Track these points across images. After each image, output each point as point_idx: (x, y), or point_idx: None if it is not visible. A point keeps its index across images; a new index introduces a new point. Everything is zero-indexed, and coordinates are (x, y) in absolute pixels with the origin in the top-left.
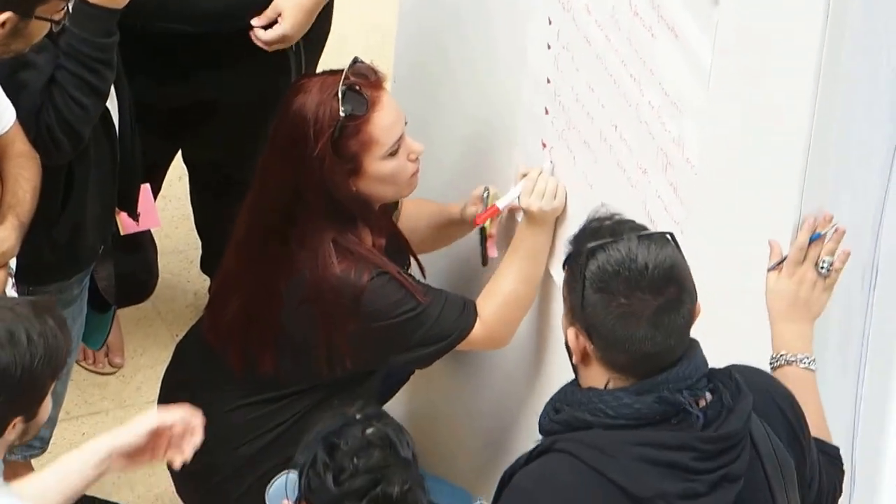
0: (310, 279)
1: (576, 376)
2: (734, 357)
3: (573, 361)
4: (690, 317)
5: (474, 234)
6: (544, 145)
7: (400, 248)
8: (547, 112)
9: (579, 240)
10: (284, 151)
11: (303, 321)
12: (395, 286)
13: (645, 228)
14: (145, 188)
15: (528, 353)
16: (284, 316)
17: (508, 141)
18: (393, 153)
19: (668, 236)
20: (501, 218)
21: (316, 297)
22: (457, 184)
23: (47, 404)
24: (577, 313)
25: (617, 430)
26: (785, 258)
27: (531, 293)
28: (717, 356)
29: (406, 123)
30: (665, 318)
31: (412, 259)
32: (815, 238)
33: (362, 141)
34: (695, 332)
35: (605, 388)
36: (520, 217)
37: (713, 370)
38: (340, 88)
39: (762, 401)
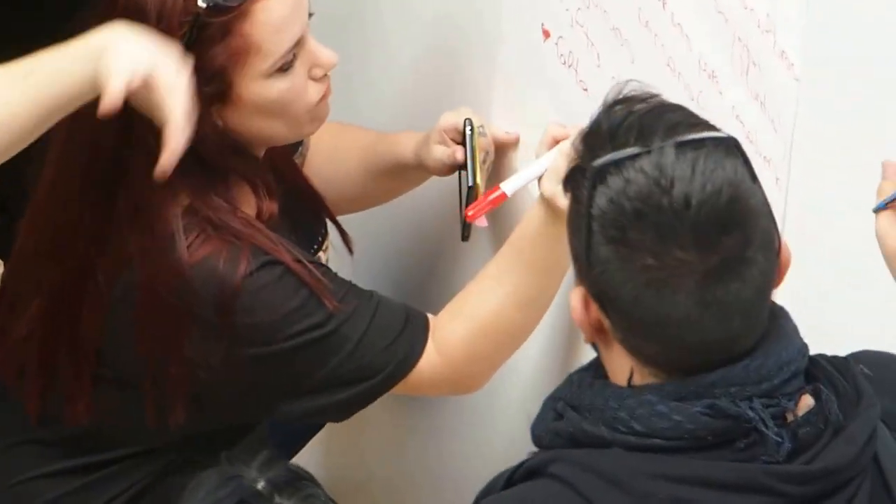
0: (144, 273)
1: (597, 357)
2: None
3: (584, 339)
4: (766, 281)
5: (445, 186)
6: (547, 34)
7: (310, 211)
8: None
9: (590, 143)
10: None
11: (131, 343)
12: (290, 284)
13: (698, 123)
14: None
15: (532, 372)
16: (107, 333)
17: (486, 30)
18: (284, 67)
19: (732, 143)
20: (489, 164)
21: (151, 303)
22: (402, 110)
23: None
24: (583, 269)
25: (646, 452)
26: None
27: (528, 323)
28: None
29: (311, 15)
30: (720, 288)
31: (331, 226)
32: None
33: (233, 49)
34: (811, 321)
35: (629, 384)
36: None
37: (818, 361)
38: None
39: None
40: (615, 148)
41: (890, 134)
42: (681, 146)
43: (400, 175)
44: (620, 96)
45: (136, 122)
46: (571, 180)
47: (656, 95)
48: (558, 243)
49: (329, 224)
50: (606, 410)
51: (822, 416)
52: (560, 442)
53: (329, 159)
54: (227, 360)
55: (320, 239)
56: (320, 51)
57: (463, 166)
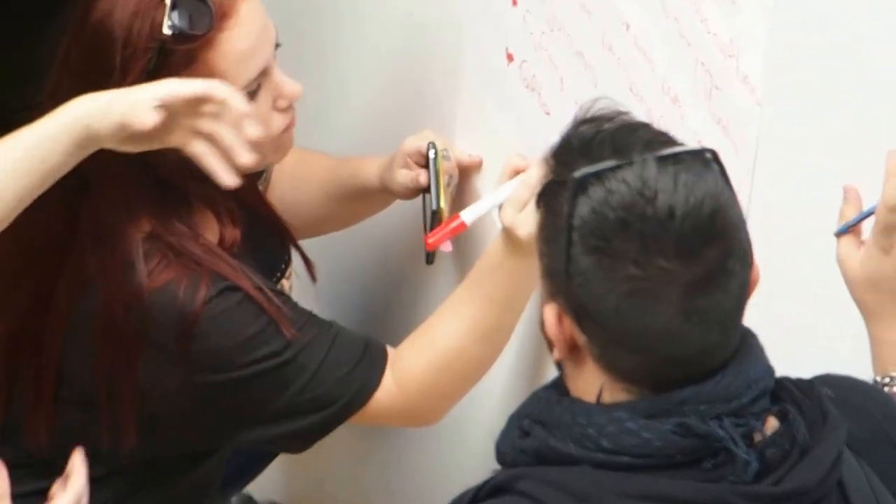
0: (103, 297)
1: (560, 376)
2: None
3: (555, 357)
4: (743, 294)
5: (409, 210)
6: (511, 58)
7: (273, 238)
8: (515, 3)
9: (562, 159)
10: (77, 87)
11: (89, 365)
12: (249, 311)
13: (670, 140)
14: None
15: (499, 393)
16: (66, 354)
17: (450, 53)
18: (248, 97)
19: (709, 155)
20: (453, 187)
21: (109, 327)
22: (365, 132)
23: None
24: (560, 283)
25: (614, 470)
26: (864, 216)
27: (488, 357)
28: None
29: (278, 47)
30: (703, 299)
31: (294, 253)
32: None
33: (198, 76)
34: (771, 345)
35: (598, 401)
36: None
37: (784, 383)
38: None
39: (867, 431)
40: (591, 162)
41: (851, 159)
42: (662, 160)
43: (364, 199)
44: (589, 115)
45: (99, 151)
46: (547, 194)
47: (624, 113)
48: (519, 276)
49: (292, 251)
50: (574, 427)
51: (788, 437)
52: (525, 459)
53: (292, 184)
54: (184, 386)
55: (283, 266)
56: (285, 82)
57: (427, 190)
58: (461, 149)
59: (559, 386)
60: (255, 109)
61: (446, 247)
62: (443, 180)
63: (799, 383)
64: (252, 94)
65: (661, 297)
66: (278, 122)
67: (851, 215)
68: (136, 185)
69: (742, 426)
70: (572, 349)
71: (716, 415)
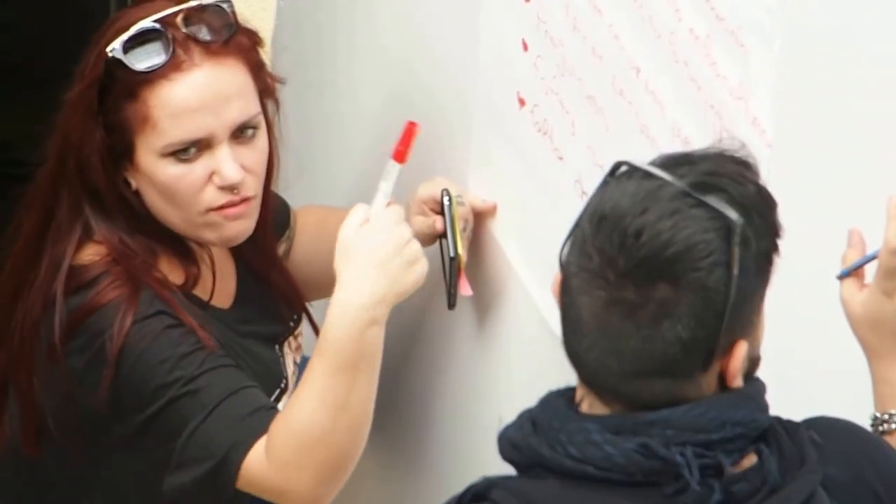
0: (30, 299)
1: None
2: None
3: None
4: (677, 353)
5: (428, 255)
6: (523, 102)
7: (281, 297)
8: (526, 48)
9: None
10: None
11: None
12: (173, 336)
13: (746, 176)
14: None
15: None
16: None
17: (462, 99)
18: (181, 157)
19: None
20: (469, 232)
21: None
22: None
23: None
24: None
25: (578, 482)
26: (866, 260)
27: (347, 429)
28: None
29: (251, 129)
30: (618, 320)
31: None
32: None
33: (135, 111)
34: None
35: (578, 408)
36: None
37: (773, 424)
38: (143, 22)
39: (850, 476)
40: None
41: (860, 201)
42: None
43: None
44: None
45: (63, 181)
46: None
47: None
48: (357, 341)
49: (305, 308)
50: (551, 431)
51: (760, 475)
52: (517, 458)
53: (315, 242)
54: (106, 400)
55: (292, 324)
56: (225, 163)
57: (444, 235)
58: (474, 194)
59: (568, 392)
60: (187, 171)
61: (466, 291)
62: (458, 226)
63: (786, 424)
64: (185, 154)
65: (581, 306)
66: (211, 195)
67: (854, 258)
68: (108, 206)
69: (707, 458)
70: None
71: (680, 442)
